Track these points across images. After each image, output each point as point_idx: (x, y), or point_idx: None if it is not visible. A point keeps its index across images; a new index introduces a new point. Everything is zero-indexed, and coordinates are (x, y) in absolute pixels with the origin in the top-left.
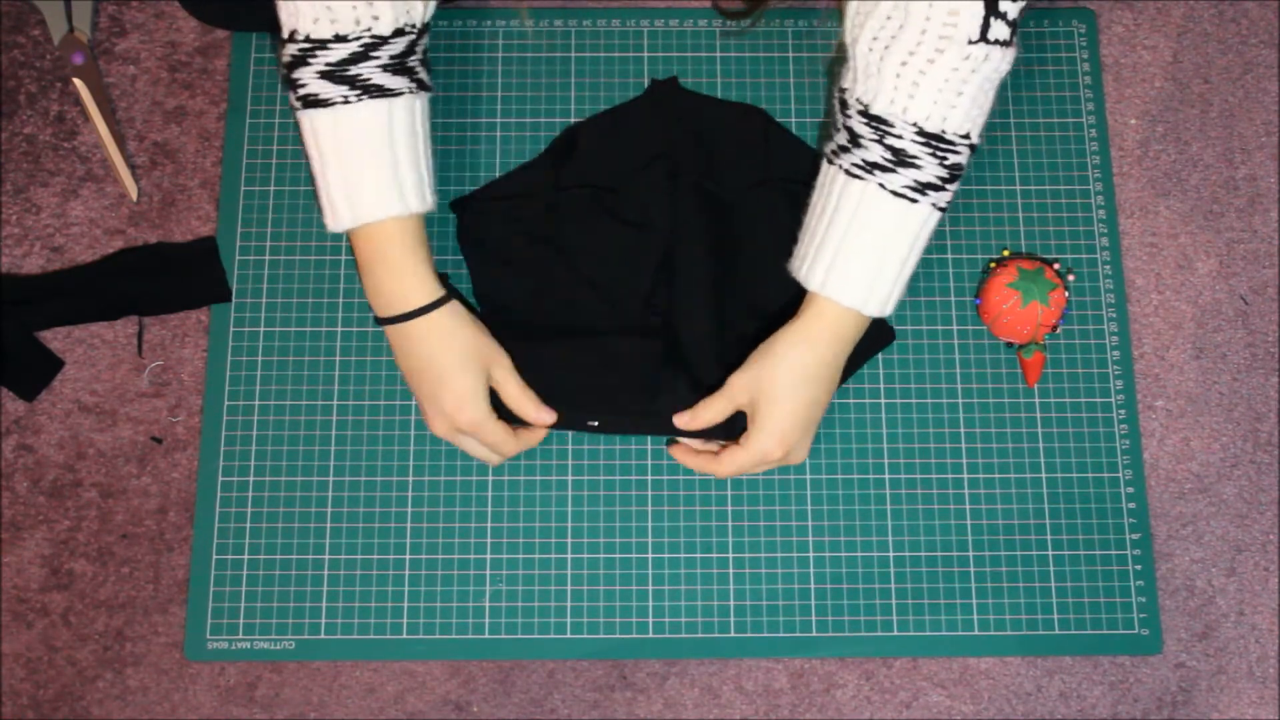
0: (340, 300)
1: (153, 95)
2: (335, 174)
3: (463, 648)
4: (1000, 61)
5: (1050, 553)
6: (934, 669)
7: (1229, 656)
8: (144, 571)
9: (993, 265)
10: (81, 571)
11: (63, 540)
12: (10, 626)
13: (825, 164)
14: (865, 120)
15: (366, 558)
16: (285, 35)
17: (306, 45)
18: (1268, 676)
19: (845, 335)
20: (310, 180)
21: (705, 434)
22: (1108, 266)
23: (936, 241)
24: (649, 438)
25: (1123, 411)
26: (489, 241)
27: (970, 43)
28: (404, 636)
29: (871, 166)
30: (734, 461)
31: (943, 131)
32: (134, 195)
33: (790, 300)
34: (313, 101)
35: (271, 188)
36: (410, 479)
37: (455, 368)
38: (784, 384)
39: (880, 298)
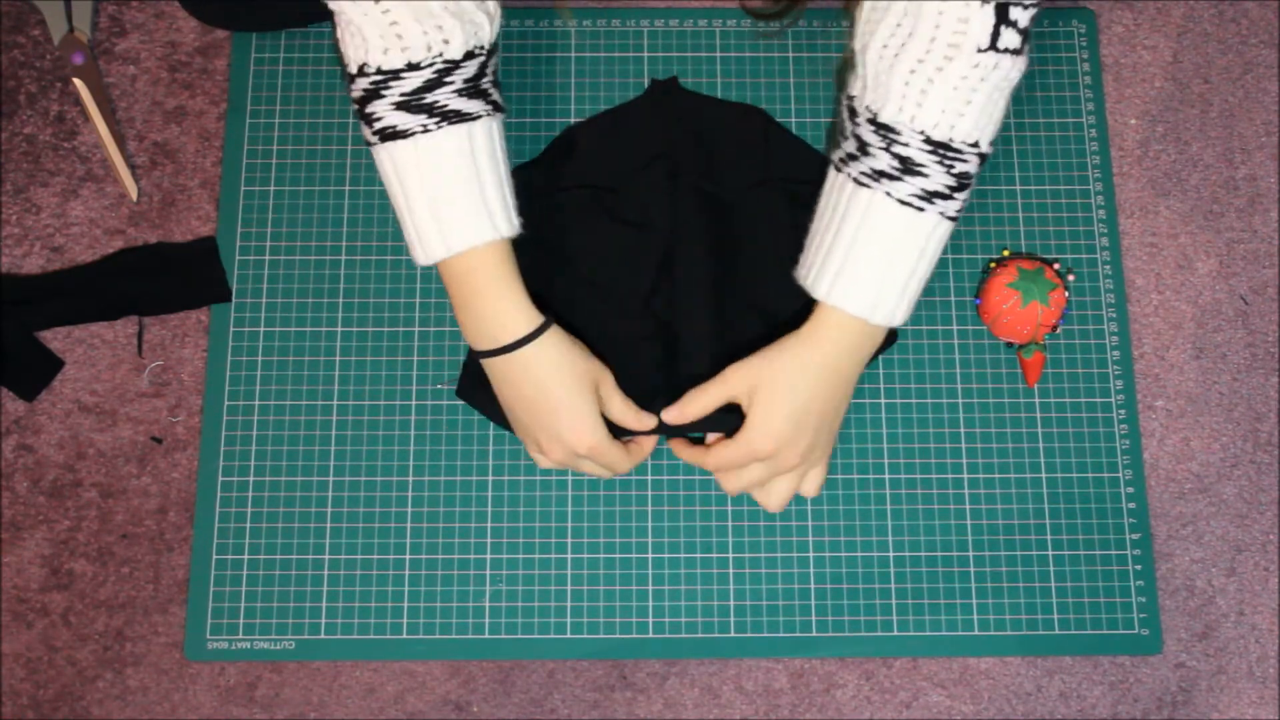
0: (340, 300)
1: (153, 95)
2: (421, 204)
3: (463, 648)
4: (1010, 70)
5: (1050, 553)
6: (934, 669)
7: (1229, 656)
8: (144, 571)
9: (992, 265)
10: (81, 571)
11: (63, 540)
12: (10, 626)
13: (833, 171)
14: (874, 128)
15: (366, 558)
16: (353, 70)
17: (379, 78)
18: (1268, 676)
19: (851, 344)
20: (393, 217)
21: (700, 426)
22: (1108, 266)
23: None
24: None
25: (1123, 411)
26: None
27: (979, 51)
28: (404, 636)
29: (879, 175)
30: (722, 454)
31: (950, 140)
32: (134, 195)
33: (791, 300)
34: (391, 134)
35: (271, 188)
36: (410, 479)
37: (571, 393)
38: (781, 380)
39: (887, 307)
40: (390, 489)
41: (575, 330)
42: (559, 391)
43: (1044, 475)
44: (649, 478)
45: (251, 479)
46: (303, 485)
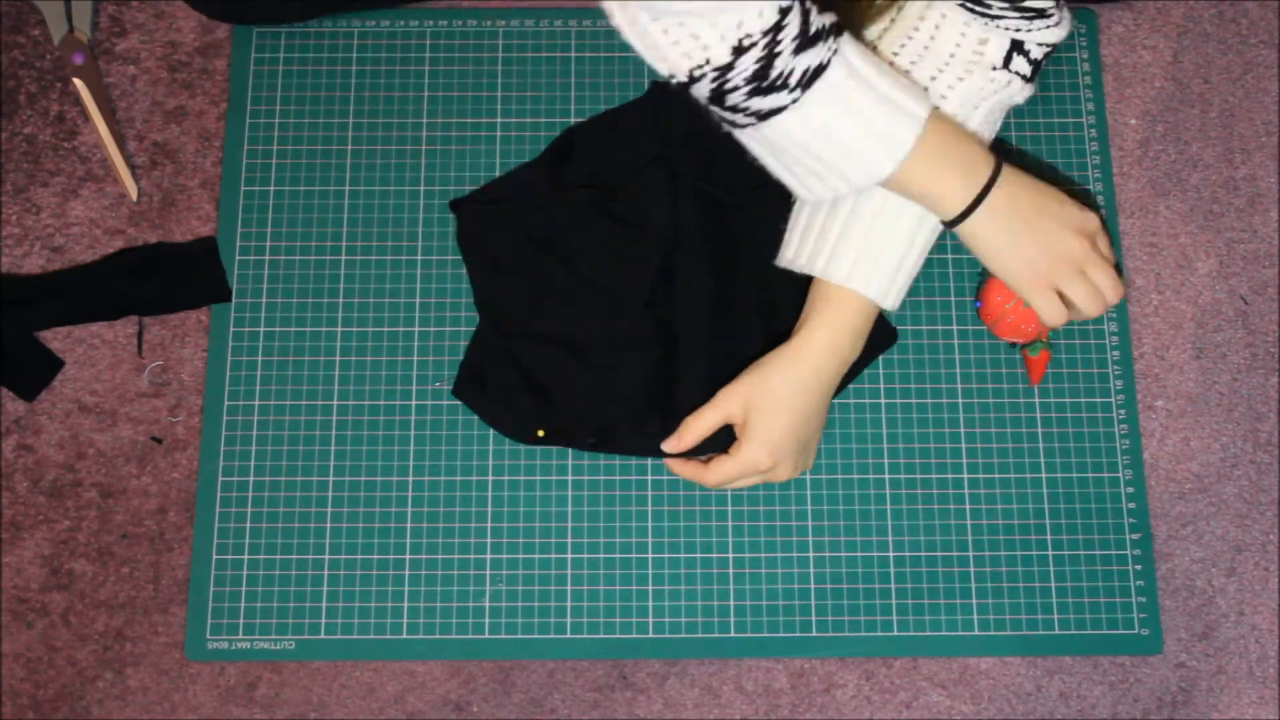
0: (340, 300)
1: (153, 95)
2: (847, 137)
3: (463, 648)
4: (1017, 93)
5: (1050, 553)
6: (934, 669)
7: (1229, 656)
8: (144, 571)
9: None
10: (81, 571)
11: (63, 540)
12: (10, 626)
13: None
14: None
15: (366, 558)
16: (683, 80)
17: (716, 72)
18: (1268, 676)
19: (846, 346)
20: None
21: (695, 451)
22: None
23: (937, 241)
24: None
25: (1123, 411)
26: (488, 242)
27: (994, 69)
28: (404, 636)
29: None
30: (722, 470)
31: None
32: (134, 195)
33: (791, 300)
34: (766, 115)
35: (271, 188)
36: (410, 479)
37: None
38: (775, 397)
39: (898, 289)
40: (390, 489)
41: (575, 334)
42: (1049, 203)
43: (1044, 475)
44: (649, 478)
45: (251, 479)
46: (303, 485)
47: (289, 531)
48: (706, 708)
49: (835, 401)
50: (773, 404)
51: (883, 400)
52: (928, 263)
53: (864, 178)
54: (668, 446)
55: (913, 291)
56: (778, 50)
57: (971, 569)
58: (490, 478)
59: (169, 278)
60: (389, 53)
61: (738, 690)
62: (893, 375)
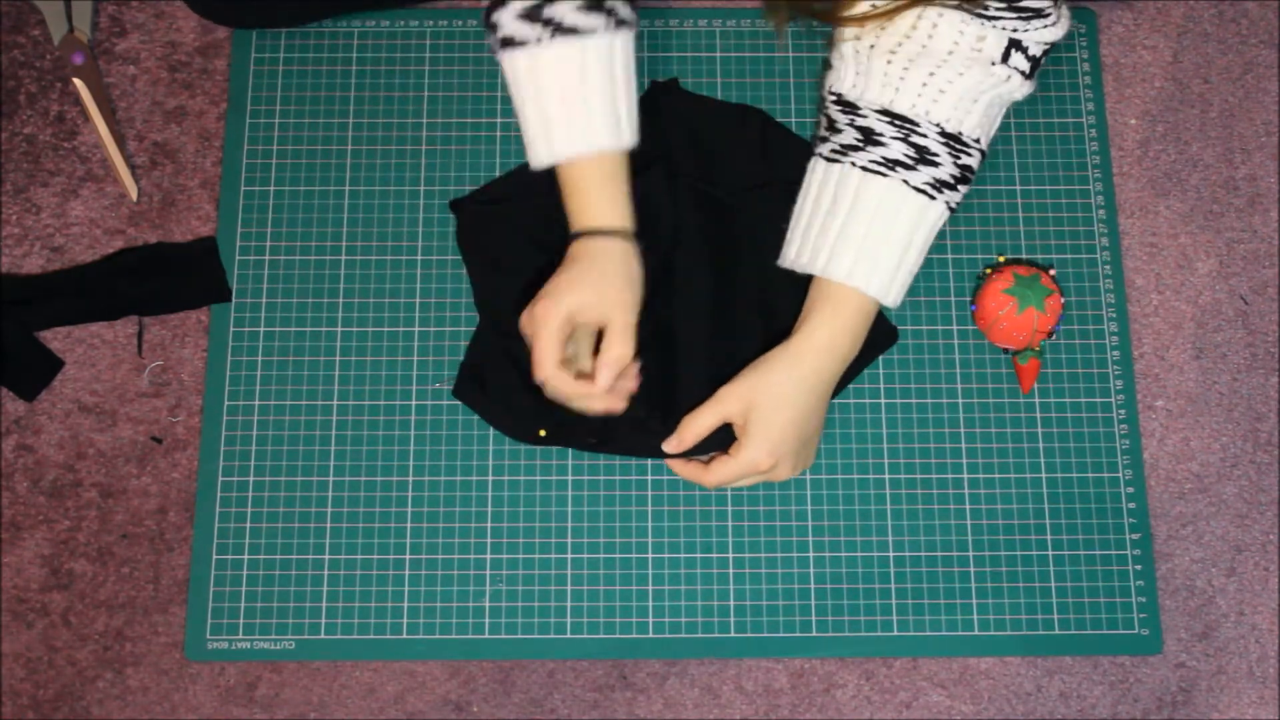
0: (340, 300)
1: (153, 95)
2: (533, 112)
3: (463, 648)
4: (1016, 89)
5: (1050, 553)
6: (934, 669)
7: (1229, 656)
8: (144, 571)
9: (988, 271)
10: (81, 571)
11: (63, 540)
12: (10, 626)
13: (825, 162)
14: (888, 120)
15: (366, 558)
16: None
17: None
18: (1268, 676)
19: (845, 345)
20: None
21: (695, 450)
22: (1108, 267)
23: (937, 240)
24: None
25: (1123, 411)
26: (488, 242)
27: (993, 64)
28: (404, 636)
29: (893, 164)
30: (722, 470)
31: (960, 133)
32: (134, 195)
33: (791, 300)
34: (510, 43)
35: (271, 188)
36: (410, 479)
37: (574, 273)
38: (776, 397)
39: (899, 288)
40: (390, 489)
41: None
42: (576, 269)
43: (1044, 475)
44: (649, 478)
45: (251, 479)
46: (303, 485)
47: (289, 531)
48: (706, 708)
49: (835, 401)
50: (773, 403)
51: (883, 400)
52: (927, 263)
53: (531, 153)
54: (668, 446)
55: (912, 292)
56: None
57: (971, 569)
58: (490, 478)
59: (169, 278)
60: (389, 53)
61: (738, 690)
62: (893, 375)
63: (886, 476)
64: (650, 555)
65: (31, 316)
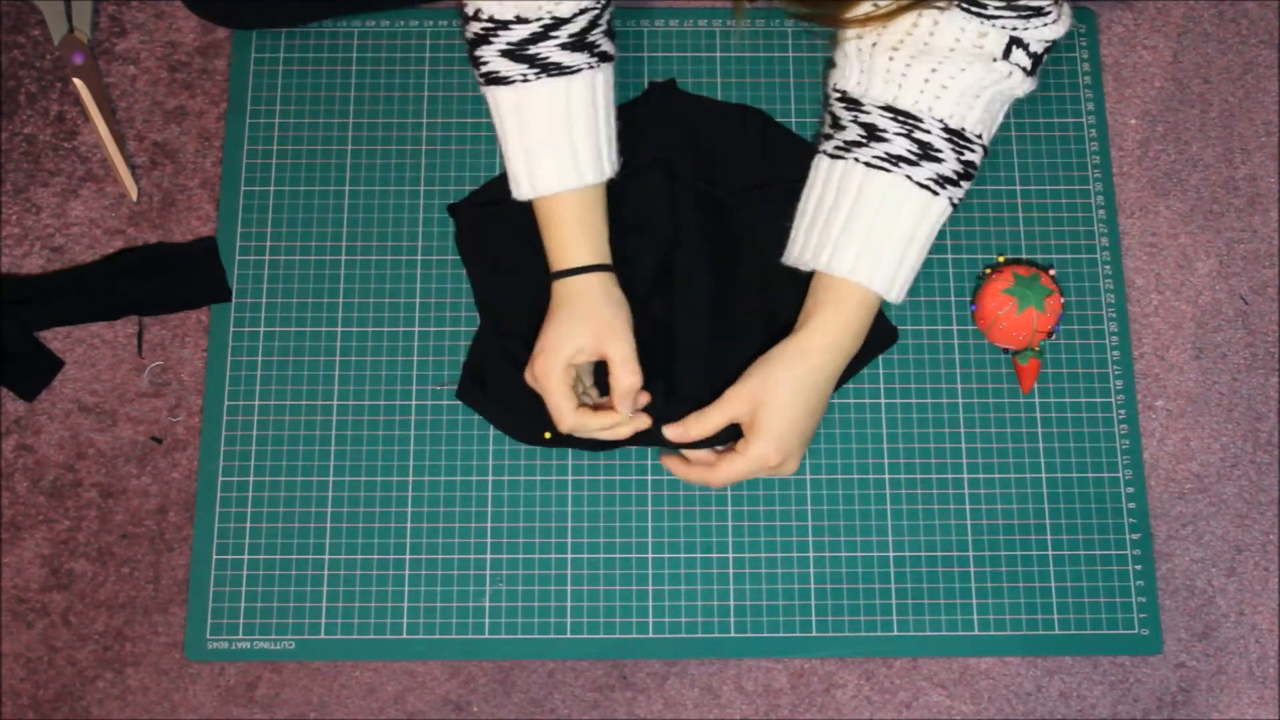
0: (340, 300)
1: (153, 95)
2: (516, 147)
3: (463, 648)
4: (1018, 85)
5: (1050, 553)
6: (934, 669)
7: (1229, 656)
8: (144, 571)
9: (988, 271)
10: (81, 571)
11: (63, 540)
12: (10, 626)
13: (829, 159)
14: (891, 116)
15: (366, 558)
16: (470, 13)
17: (489, 25)
18: (1268, 676)
19: (848, 341)
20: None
21: (698, 444)
22: (1108, 266)
23: (937, 240)
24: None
25: (1123, 411)
26: (487, 243)
27: (994, 60)
28: (404, 636)
29: (896, 159)
30: (732, 469)
31: (963, 129)
32: (134, 195)
33: (792, 300)
34: (494, 79)
35: (271, 188)
36: (410, 479)
37: (561, 319)
38: (786, 391)
39: (901, 284)
40: (390, 489)
41: None
42: (561, 316)
43: (1044, 475)
44: (649, 478)
45: (251, 479)
46: (303, 485)
47: (289, 531)
48: (706, 708)
49: (835, 401)
50: (779, 401)
51: (883, 400)
52: (927, 263)
53: (514, 185)
54: (670, 433)
55: (912, 291)
56: (552, 36)
57: (971, 569)
58: (490, 478)
59: (169, 278)
60: (389, 53)
61: (738, 690)
62: (893, 375)
63: (886, 476)
64: (650, 555)
65: (31, 316)
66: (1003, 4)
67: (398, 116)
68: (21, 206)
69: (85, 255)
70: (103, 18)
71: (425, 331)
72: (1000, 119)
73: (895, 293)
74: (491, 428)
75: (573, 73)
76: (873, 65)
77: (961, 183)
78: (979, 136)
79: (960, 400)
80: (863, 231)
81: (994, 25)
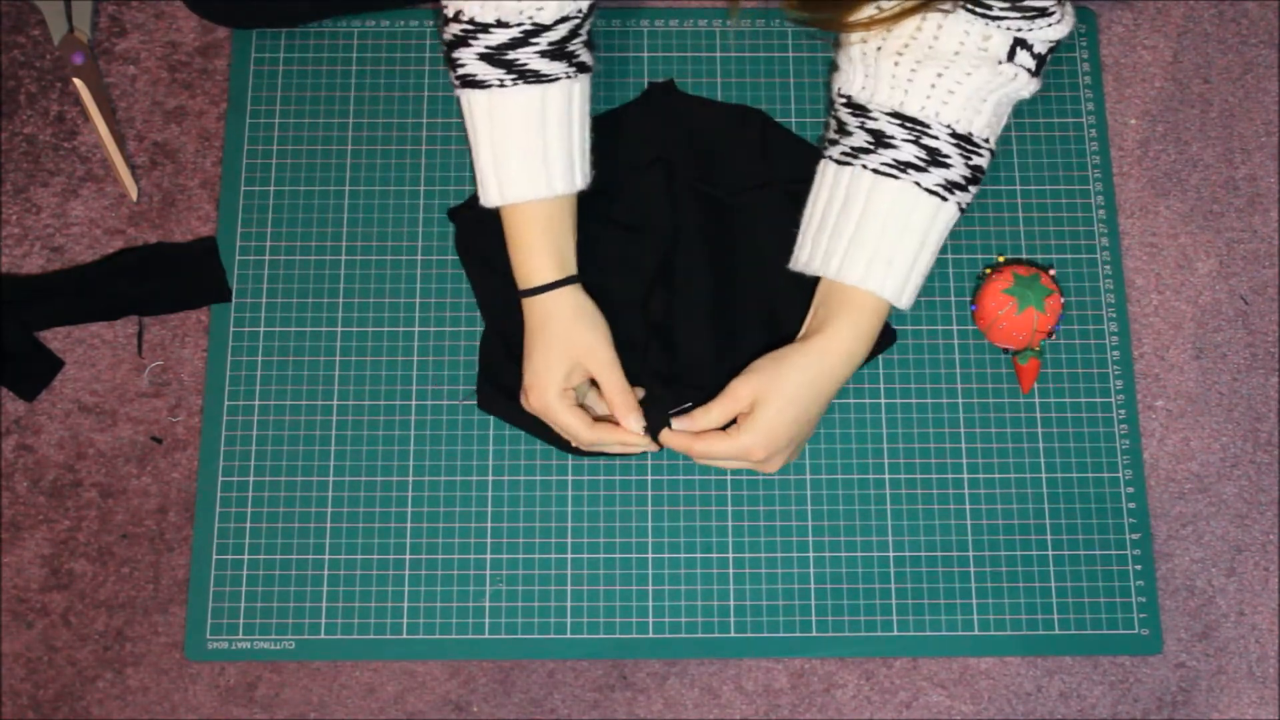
0: (340, 300)
1: (153, 95)
2: (487, 153)
3: (463, 648)
4: (1023, 87)
5: (1050, 553)
6: (934, 669)
7: (1229, 656)
8: (144, 571)
9: (988, 271)
10: (81, 571)
11: (63, 540)
12: (10, 626)
13: (836, 165)
14: (899, 122)
15: (366, 558)
16: (450, 14)
17: (469, 27)
18: (1268, 676)
19: (860, 350)
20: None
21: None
22: (1108, 266)
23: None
24: None
25: (1123, 411)
26: (486, 248)
27: (999, 63)
28: (404, 636)
29: (905, 166)
30: (714, 447)
31: (971, 134)
32: (134, 195)
33: (792, 301)
34: (470, 82)
35: (271, 188)
36: (410, 479)
37: (540, 348)
38: (786, 393)
39: (912, 290)
40: (390, 489)
41: None
42: (534, 342)
43: (1044, 475)
44: (649, 478)
45: (251, 479)
46: (303, 485)
47: (289, 531)
48: (706, 708)
49: (835, 401)
50: (781, 400)
51: (883, 400)
52: None
53: (481, 191)
54: (676, 427)
55: None
56: (532, 43)
57: (971, 569)
58: (490, 478)
59: (169, 278)
60: (389, 53)
61: (738, 690)
62: (893, 375)
63: (886, 476)
64: (650, 555)
65: (31, 316)
66: (1007, 5)
67: (398, 116)
68: (21, 206)
69: (85, 255)
70: (103, 18)
71: (425, 332)
72: (1005, 119)
73: (906, 299)
74: (492, 427)
75: (550, 81)
76: (878, 70)
77: (970, 187)
78: (986, 140)
79: (960, 400)
80: (873, 239)
81: (998, 27)
